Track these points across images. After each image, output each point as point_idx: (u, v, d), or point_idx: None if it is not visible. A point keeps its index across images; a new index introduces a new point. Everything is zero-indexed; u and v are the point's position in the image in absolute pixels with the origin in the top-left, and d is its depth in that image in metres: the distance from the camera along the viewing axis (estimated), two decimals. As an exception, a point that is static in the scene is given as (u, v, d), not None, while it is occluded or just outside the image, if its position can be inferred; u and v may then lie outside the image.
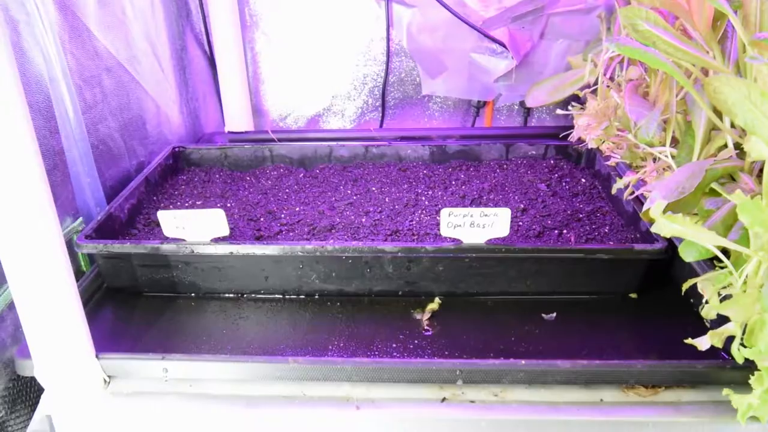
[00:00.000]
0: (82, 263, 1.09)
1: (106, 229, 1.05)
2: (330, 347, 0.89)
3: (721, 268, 0.82)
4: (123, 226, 1.11)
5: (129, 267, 1.00)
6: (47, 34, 0.99)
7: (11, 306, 0.89)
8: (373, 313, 0.98)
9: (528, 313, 0.97)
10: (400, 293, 1.01)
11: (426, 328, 0.94)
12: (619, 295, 1.00)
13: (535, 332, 0.92)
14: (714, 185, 0.86)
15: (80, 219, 1.11)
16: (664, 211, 0.75)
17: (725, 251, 0.80)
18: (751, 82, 0.73)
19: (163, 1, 1.50)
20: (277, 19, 1.71)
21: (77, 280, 0.84)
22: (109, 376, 0.85)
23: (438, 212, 1.16)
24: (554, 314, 0.96)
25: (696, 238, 0.76)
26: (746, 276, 0.76)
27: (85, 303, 0.97)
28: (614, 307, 0.98)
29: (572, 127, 1.43)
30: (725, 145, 0.95)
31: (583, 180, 1.30)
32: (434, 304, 0.98)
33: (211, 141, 1.69)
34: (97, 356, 0.83)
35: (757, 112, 0.73)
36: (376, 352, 0.88)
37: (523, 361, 0.81)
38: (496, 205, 1.20)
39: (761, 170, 0.84)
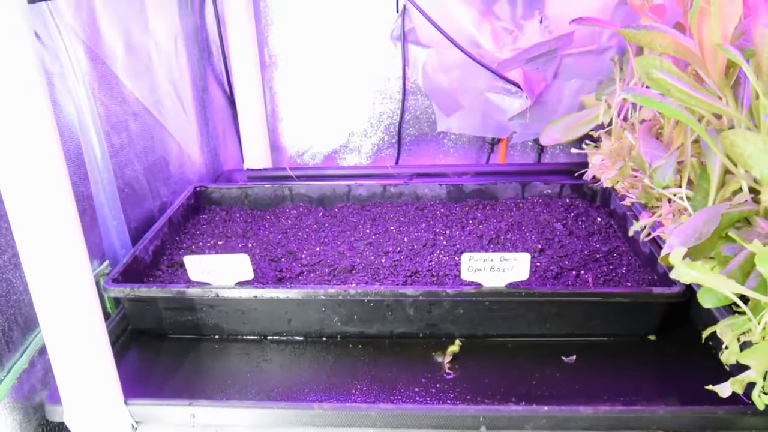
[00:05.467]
0: (108, 305, 1.11)
1: (131, 272, 1.07)
2: (353, 391, 0.90)
3: (740, 313, 0.83)
4: (147, 267, 1.14)
5: (155, 310, 1.02)
6: (79, 85, 1.03)
7: (42, 351, 0.91)
8: (394, 356, 0.99)
9: (548, 355, 0.98)
10: (420, 335, 1.02)
11: (447, 371, 0.95)
12: (637, 337, 1.01)
13: (556, 375, 0.93)
14: (731, 232, 0.87)
15: (107, 262, 1.13)
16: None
17: (744, 297, 0.81)
18: (765, 136, 0.75)
19: (187, 45, 1.55)
20: (296, 59, 1.75)
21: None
22: (136, 422, 0.87)
23: (456, 252, 1.17)
24: (574, 357, 0.97)
25: (715, 285, 0.77)
26: (765, 323, 0.77)
27: (111, 345, 0.99)
28: (633, 350, 0.99)
29: (586, 163, 1.45)
30: (740, 188, 0.96)
31: (599, 219, 1.31)
32: (455, 347, 0.99)
33: (231, 179, 1.72)
34: (125, 402, 0.85)
35: (773, 163, 0.75)
36: (399, 397, 0.89)
37: (545, 408, 0.82)
38: (513, 245, 1.21)
39: (777, 216, 0.86)
